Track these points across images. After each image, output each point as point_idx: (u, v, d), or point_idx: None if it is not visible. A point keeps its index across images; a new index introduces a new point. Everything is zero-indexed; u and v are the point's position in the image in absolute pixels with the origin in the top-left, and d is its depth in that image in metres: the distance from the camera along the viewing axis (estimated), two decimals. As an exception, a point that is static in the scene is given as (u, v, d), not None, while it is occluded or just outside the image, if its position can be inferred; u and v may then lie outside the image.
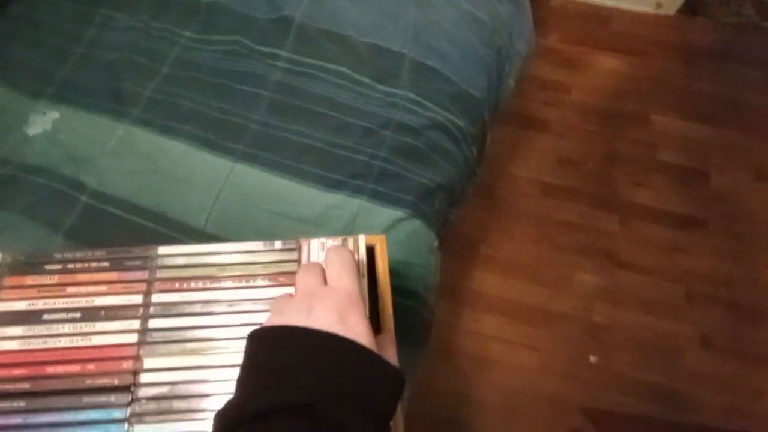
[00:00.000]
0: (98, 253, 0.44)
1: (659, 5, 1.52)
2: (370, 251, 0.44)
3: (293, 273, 0.42)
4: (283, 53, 0.63)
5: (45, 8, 0.73)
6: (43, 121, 0.63)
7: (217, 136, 0.60)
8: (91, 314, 0.42)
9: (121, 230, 0.58)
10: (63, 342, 0.41)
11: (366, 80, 0.63)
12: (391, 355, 0.30)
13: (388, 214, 0.59)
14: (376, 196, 0.59)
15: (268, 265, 0.43)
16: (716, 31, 1.51)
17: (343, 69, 0.63)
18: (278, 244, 0.44)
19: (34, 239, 0.58)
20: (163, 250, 0.44)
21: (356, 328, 0.26)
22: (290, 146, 0.60)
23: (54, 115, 0.64)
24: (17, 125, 0.65)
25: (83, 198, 0.58)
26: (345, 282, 0.30)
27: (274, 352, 0.26)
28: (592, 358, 1.09)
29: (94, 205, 0.58)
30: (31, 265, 0.43)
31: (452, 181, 0.66)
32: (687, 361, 1.08)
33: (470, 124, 0.69)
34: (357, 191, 0.59)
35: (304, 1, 0.66)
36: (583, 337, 1.11)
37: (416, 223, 0.60)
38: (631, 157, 1.33)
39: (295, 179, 0.60)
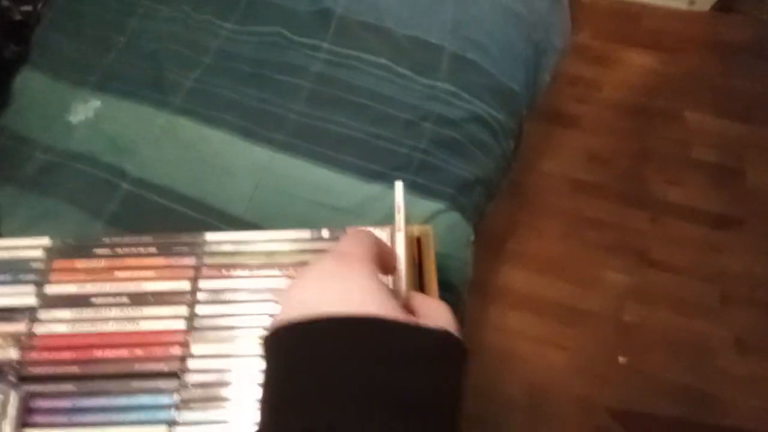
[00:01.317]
0: (146, 239, 0.44)
1: (692, 2, 1.48)
2: (416, 242, 0.44)
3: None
4: (324, 45, 0.63)
5: (89, 1, 0.74)
6: (85, 109, 0.64)
7: (258, 126, 0.60)
8: (139, 299, 0.42)
9: (161, 217, 0.58)
10: (111, 326, 0.41)
11: (406, 72, 0.63)
12: (438, 317, 0.23)
13: (428, 206, 0.58)
14: (416, 188, 0.59)
15: (315, 253, 0.43)
16: (751, 28, 1.47)
17: (384, 61, 0.62)
18: (325, 233, 0.44)
19: (76, 225, 0.59)
20: (210, 236, 0.44)
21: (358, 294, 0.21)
22: (330, 137, 0.60)
23: (96, 103, 0.65)
24: (60, 113, 0.66)
25: (125, 185, 0.59)
26: (345, 246, 0.24)
27: (288, 363, 0.21)
28: (622, 359, 1.06)
29: (135, 192, 0.59)
30: (80, 248, 0.43)
31: (490, 175, 0.66)
32: (720, 363, 1.06)
33: (508, 118, 0.68)
34: (397, 183, 0.59)
35: (345, -7, 0.66)
36: (613, 337, 1.09)
37: (455, 216, 0.59)
38: (664, 155, 1.30)
39: (335, 169, 0.59)
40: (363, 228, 0.29)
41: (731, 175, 1.27)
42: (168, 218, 0.58)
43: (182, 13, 0.69)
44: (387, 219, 0.58)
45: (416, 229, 0.45)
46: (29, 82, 0.70)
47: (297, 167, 0.60)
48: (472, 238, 0.63)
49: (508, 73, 0.67)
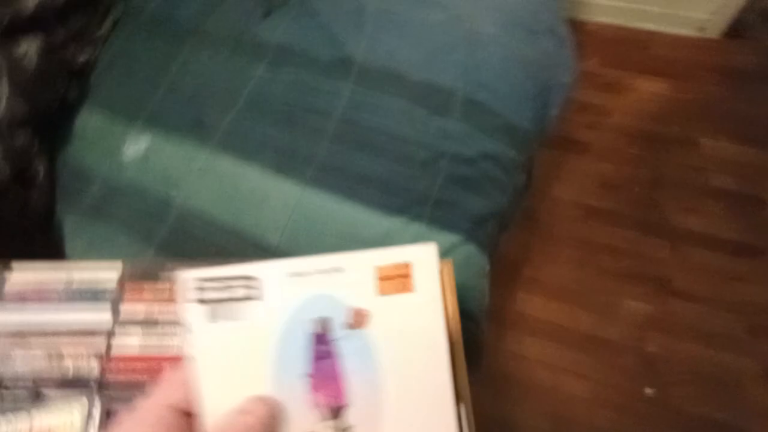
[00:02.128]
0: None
1: (702, 28, 1.51)
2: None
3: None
4: (346, 89, 0.68)
5: (140, 43, 0.82)
6: (137, 147, 0.71)
7: (289, 162, 0.65)
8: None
9: (204, 245, 0.64)
10: (174, 349, 0.44)
11: (422, 114, 0.67)
12: None
13: (446, 238, 0.61)
14: (434, 222, 0.62)
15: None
16: (763, 54, 1.48)
17: (401, 103, 0.67)
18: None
19: (129, 251, 0.65)
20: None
21: None
22: (354, 173, 0.65)
23: (146, 139, 0.72)
24: (115, 148, 0.73)
25: (172, 215, 0.65)
26: None
27: None
28: (648, 391, 1.04)
29: (181, 222, 0.65)
30: (147, 273, 0.47)
31: (503, 208, 0.68)
32: (750, 397, 1.03)
33: (519, 154, 0.71)
34: (417, 217, 0.63)
35: (363, 43, 0.71)
36: (637, 368, 1.07)
37: (471, 248, 0.62)
38: (680, 182, 1.30)
39: (360, 203, 0.64)
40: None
41: (749, 202, 1.26)
42: (209, 246, 0.63)
43: (221, 56, 0.76)
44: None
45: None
46: (87, 121, 0.77)
47: (326, 200, 0.64)
48: (488, 268, 0.66)
49: (517, 112, 0.70)
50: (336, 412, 0.27)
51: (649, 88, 1.46)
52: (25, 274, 0.46)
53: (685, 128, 1.38)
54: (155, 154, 0.71)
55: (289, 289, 0.27)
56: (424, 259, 0.28)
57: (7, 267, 0.46)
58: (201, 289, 0.27)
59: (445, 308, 0.46)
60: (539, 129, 0.75)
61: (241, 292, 0.27)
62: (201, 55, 0.78)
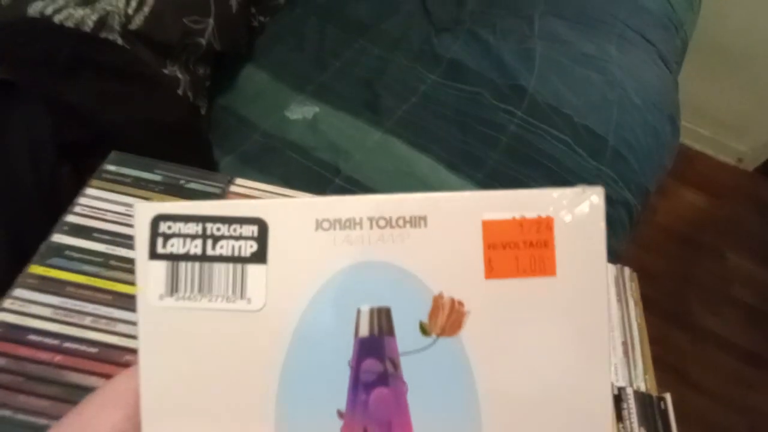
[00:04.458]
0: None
1: (740, 160, 1.71)
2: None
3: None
4: (518, 113, 0.76)
5: (310, 26, 0.88)
6: (303, 110, 0.74)
7: (461, 162, 0.70)
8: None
9: None
10: None
11: (582, 152, 0.75)
12: None
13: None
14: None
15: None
16: (787, 196, 1.67)
17: (566, 138, 0.75)
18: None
19: None
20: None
21: None
22: (521, 185, 0.70)
23: (314, 108, 0.75)
24: (280, 108, 0.76)
25: (337, 180, 0.67)
26: None
27: None
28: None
29: (345, 188, 0.67)
30: None
31: (619, 252, 0.76)
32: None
33: (642, 211, 0.80)
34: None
35: (533, 79, 0.80)
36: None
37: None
38: (706, 285, 1.42)
39: None
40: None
41: (764, 317, 1.39)
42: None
43: (393, 56, 0.83)
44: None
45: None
46: (253, 77, 0.81)
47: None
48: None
49: (647, 175, 0.80)
50: None
51: (689, 198, 1.62)
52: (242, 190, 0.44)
53: (715, 239, 1.53)
54: (324, 122, 0.75)
55: (318, 250, 0.15)
56: (580, 215, 0.16)
57: (231, 182, 0.44)
58: (164, 235, 0.16)
59: (628, 318, 0.41)
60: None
61: (230, 248, 0.15)
62: (374, 49, 0.85)
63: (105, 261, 0.36)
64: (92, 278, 0.36)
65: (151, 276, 0.15)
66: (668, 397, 0.35)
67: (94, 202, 0.38)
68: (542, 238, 0.16)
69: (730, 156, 1.71)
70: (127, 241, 0.36)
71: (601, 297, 0.16)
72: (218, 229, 0.15)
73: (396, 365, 0.15)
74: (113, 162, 0.40)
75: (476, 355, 0.15)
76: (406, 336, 0.15)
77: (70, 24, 0.63)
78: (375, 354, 0.15)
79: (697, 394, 1.23)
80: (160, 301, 0.15)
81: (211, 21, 0.75)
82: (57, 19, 0.63)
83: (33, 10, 0.63)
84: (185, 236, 0.16)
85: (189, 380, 0.15)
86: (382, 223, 0.16)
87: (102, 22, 0.65)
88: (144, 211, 0.16)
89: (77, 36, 0.63)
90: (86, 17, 0.64)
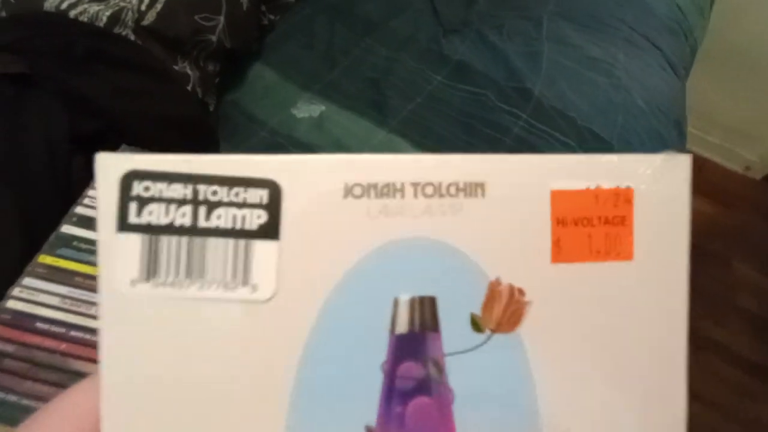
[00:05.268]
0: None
1: (748, 168, 1.70)
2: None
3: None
4: (523, 115, 0.77)
5: (319, 24, 0.89)
6: (309, 109, 0.76)
7: None
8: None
9: None
10: None
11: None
12: None
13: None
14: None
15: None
16: (796, 206, 1.66)
17: (570, 142, 0.75)
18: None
19: None
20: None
21: None
22: None
23: (320, 106, 0.76)
24: (286, 106, 0.77)
25: None
26: None
27: None
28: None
29: None
30: None
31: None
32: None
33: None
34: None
35: (539, 82, 0.81)
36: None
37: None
38: (710, 294, 1.41)
39: None
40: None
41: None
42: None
43: (400, 56, 0.84)
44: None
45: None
46: (261, 75, 0.82)
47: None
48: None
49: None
50: None
51: (695, 206, 1.51)
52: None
53: (721, 248, 1.52)
54: (330, 121, 0.76)
55: (347, 223, 0.12)
56: (664, 187, 0.14)
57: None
58: (139, 199, 0.12)
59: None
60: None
61: (230, 218, 0.12)
62: (381, 49, 0.86)
63: (112, 250, 0.37)
64: (100, 266, 0.37)
65: (119, 254, 0.11)
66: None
67: (103, 193, 0.39)
68: (620, 213, 0.13)
69: (737, 164, 1.70)
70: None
71: (683, 290, 0.13)
72: (215, 193, 0.11)
73: (440, 369, 0.12)
74: (122, 154, 0.41)
75: (538, 355, 0.13)
76: (453, 332, 0.12)
77: (84, 19, 0.65)
78: (415, 355, 0.12)
79: (699, 405, 1.22)
80: (131, 288, 0.12)
81: (221, 18, 0.77)
82: (72, 13, 0.65)
83: (49, 4, 0.65)
84: (169, 201, 0.12)
85: (169, 395, 0.11)
86: (429, 190, 0.12)
87: (116, 18, 0.67)
88: (110, 164, 0.11)
89: (91, 31, 0.65)
90: (100, 12, 0.66)
